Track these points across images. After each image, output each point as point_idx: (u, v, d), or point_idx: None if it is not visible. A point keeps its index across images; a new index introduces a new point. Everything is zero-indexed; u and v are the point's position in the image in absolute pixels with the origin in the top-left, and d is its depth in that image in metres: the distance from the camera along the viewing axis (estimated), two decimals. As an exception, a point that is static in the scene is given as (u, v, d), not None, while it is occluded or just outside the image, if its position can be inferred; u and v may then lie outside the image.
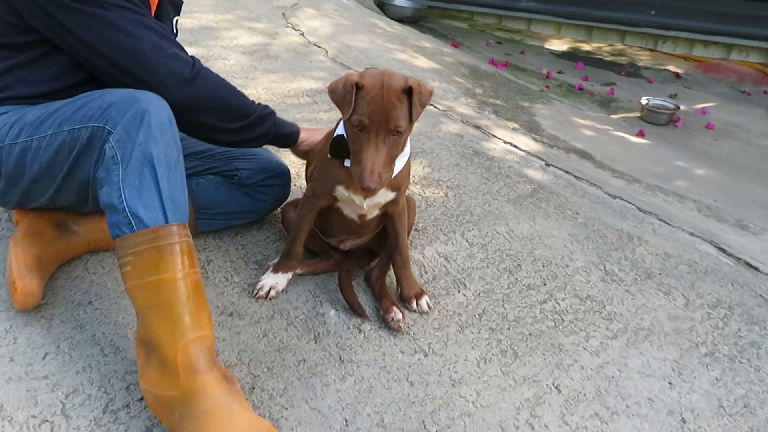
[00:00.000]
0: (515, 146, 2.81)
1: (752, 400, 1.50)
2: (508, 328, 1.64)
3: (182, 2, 1.74)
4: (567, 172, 2.65)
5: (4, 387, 1.30)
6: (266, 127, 1.58)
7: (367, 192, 1.35)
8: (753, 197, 3.10)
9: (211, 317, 1.24)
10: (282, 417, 1.32)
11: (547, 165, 2.68)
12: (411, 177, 2.29)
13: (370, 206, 1.51)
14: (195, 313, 1.20)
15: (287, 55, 3.30)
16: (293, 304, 1.63)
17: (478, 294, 1.75)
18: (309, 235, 1.68)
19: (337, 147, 1.45)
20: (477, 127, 2.95)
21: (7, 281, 1.49)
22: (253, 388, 1.38)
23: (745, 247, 2.25)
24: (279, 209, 1.87)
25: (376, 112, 1.27)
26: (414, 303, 1.64)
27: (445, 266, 1.85)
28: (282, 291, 1.65)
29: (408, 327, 1.59)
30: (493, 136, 2.89)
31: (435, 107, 3.05)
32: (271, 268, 1.66)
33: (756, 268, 2.06)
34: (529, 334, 1.63)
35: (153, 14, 1.57)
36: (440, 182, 2.31)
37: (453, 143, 2.65)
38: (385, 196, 1.50)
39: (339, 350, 1.50)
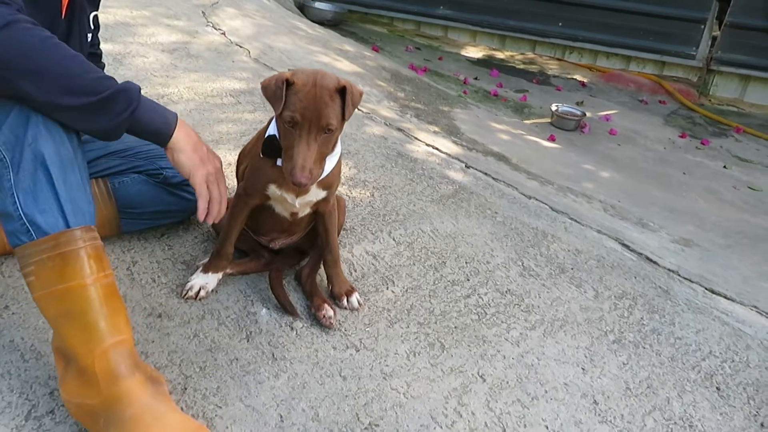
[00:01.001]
0: (437, 149, 2.91)
1: (654, 381, 1.65)
2: (435, 322, 1.71)
3: None
4: (486, 173, 2.77)
5: None
6: (123, 110, 1.23)
7: (299, 188, 1.37)
8: (651, 198, 3.36)
9: (128, 320, 1.21)
10: (216, 416, 1.32)
11: (467, 167, 2.80)
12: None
13: (302, 204, 1.54)
14: (110, 318, 1.16)
15: (209, 54, 3.24)
16: (224, 304, 1.62)
17: (406, 290, 1.81)
18: (240, 235, 1.68)
19: (269, 146, 1.47)
20: (400, 129, 3.03)
21: None
22: (186, 389, 1.37)
23: (646, 244, 2.45)
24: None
25: (308, 109, 1.30)
26: (345, 300, 1.67)
27: (373, 264, 1.90)
28: (212, 291, 1.64)
29: (339, 324, 1.63)
30: (416, 138, 2.97)
31: (359, 110, 3.10)
32: (200, 269, 1.64)
33: (655, 262, 2.26)
34: (455, 327, 1.70)
35: (65, 9, 1.50)
36: (366, 183, 2.36)
37: (378, 145, 2.71)
38: (316, 194, 1.52)
39: (272, 348, 1.52)
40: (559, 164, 3.58)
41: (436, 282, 1.88)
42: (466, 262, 2.00)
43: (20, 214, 1.15)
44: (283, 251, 1.76)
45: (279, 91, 1.30)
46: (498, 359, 1.62)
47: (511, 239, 2.20)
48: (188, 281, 1.62)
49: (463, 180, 2.60)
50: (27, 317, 1.47)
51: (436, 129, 3.33)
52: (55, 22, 1.46)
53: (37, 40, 1.18)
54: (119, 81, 1.27)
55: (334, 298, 1.68)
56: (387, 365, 1.53)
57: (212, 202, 1.41)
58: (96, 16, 1.68)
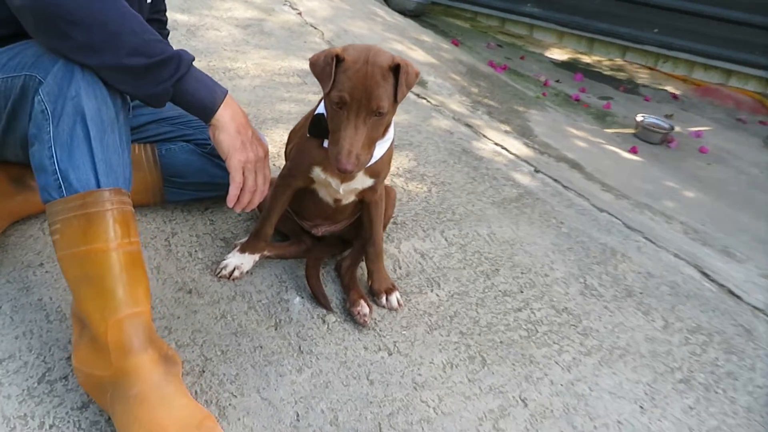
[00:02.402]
0: (505, 149, 2.74)
1: None
2: (479, 334, 1.56)
3: None
4: (556, 180, 2.58)
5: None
6: (168, 77, 1.19)
7: (344, 174, 1.27)
8: (740, 225, 3.06)
9: (149, 292, 1.14)
10: (230, 405, 1.23)
11: (536, 171, 2.61)
12: (395, 168, 2.22)
13: (347, 191, 1.43)
14: (129, 288, 1.10)
15: (281, 32, 3.19)
16: (257, 287, 1.54)
17: (452, 295, 1.67)
18: (282, 217, 1.60)
19: (317, 126, 1.37)
20: (468, 125, 2.87)
21: None
22: (203, 372, 1.29)
23: (730, 275, 2.20)
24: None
25: (357, 89, 1.19)
26: (384, 298, 1.55)
27: (420, 263, 1.77)
28: (247, 272, 1.56)
29: (375, 322, 1.51)
30: (484, 136, 2.81)
31: (428, 101, 2.97)
32: (237, 248, 1.57)
33: (739, 297, 2.01)
34: (500, 342, 1.55)
35: None
36: (425, 177, 2.23)
37: (442, 139, 2.57)
38: (362, 182, 1.41)
39: (299, 340, 1.42)
40: (639, 178, 3.31)
41: (486, 290, 1.73)
42: (521, 273, 1.84)
43: (55, 168, 1.11)
44: (325, 239, 1.66)
45: (328, 67, 1.19)
46: (544, 383, 1.46)
47: (575, 253, 2.02)
48: (224, 260, 1.55)
49: (529, 184, 2.43)
50: (59, 277, 1.43)
51: (508, 129, 3.15)
52: None
53: None
54: (191, 53, 1.24)
55: (373, 295, 1.57)
56: (420, 374, 1.40)
57: (244, 190, 1.34)
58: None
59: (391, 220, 1.91)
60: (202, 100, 1.25)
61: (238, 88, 2.47)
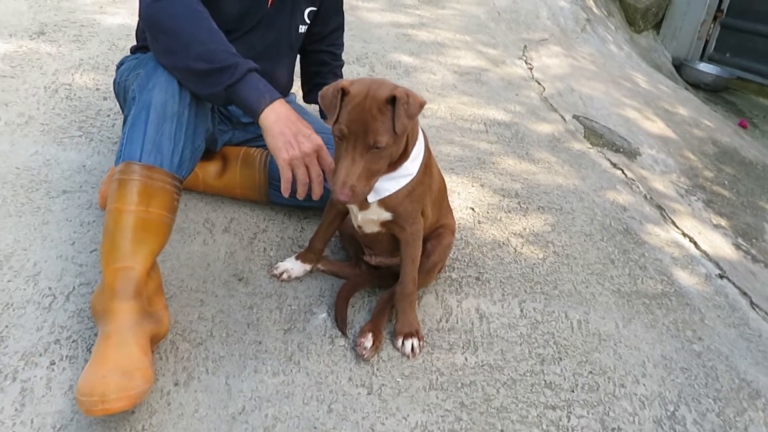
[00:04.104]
0: (694, 242, 2.31)
1: None
2: (482, 413, 1.39)
3: None
4: (744, 293, 2.09)
5: (50, 251, 1.60)
6: (216, 87, 1.40)
7: (340, 204, 1.29)
8: None
9: (151, 257, 1.34)
10: (197, 378, 1.36)
11: (720, 276, 2.14)
12: (519, 228, 2.08)
13: (365, 220, 1.44)
14: (132, 246, 1.31)
15: (497, 83, 3.24)
16: (295, 293, 1.65)
17: (482, 365, 1.52)
18: (350, 237, 1.68)
19: None
20: (659, 207, 2.50)
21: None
22: (200, 344, 1.45)
23: None
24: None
25: (355, 122, 1.21)
26: (400, 341, 1.51)
27: (472, 323, 1.65)
28: (295, 277, 1.68)
29: (377, 360, 1.48)
30: (672, 223, 2.41)
31: (623, 172, 2.67)
32: (296, 254, 1.70)
33: None
34: (501, 430, 1.36)
35: (271, 1, 1.72)
36: (550, 245, 2.04)
37: (605, 213, 2.30)
38: (378, 213, 1.41)
39: (296, 349, 1.48)
40: None
41: (527, 374, 1.52)
42: (590, 372, 1.56)
43: (123, 141, 1.41)
44: (380, 270, 1.68)
45: (334, 100, 1.25)
46: (520, 493, 1.23)
47: (687, 376, 1.62)
48: (281, 261, 1.70)
49: (691, 287, 2.01)
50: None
51: (722, 224, 2.62)
52: (258, 6, 1.70)
53: (183, 10, 1.43)
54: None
55: (394, 335, 1.53)
56: (383, 424, 1.33)
57: (298, 183, 1.46)
58: (312, 12, 1.87)
59: (476, 275, 1.81)
60: (250, 104, 1.42)
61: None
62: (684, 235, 2.36)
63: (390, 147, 1.25)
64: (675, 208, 2.56)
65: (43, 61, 2.48)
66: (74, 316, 1.45)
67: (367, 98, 1.22)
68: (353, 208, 1.44)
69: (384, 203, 1.38)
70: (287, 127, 1.44)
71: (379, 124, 1.21)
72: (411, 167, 1.36)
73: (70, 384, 1.29)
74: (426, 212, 1.50)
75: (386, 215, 1.41)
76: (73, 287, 1.52)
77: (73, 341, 1.38)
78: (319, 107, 1.42)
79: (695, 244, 2.32)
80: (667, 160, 3.02)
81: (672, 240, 2.28)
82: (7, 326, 1.39)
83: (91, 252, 1.63)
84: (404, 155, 1.35)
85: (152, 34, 1.43)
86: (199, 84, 1.42)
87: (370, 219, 1.44)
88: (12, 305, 1.44)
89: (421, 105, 1.25)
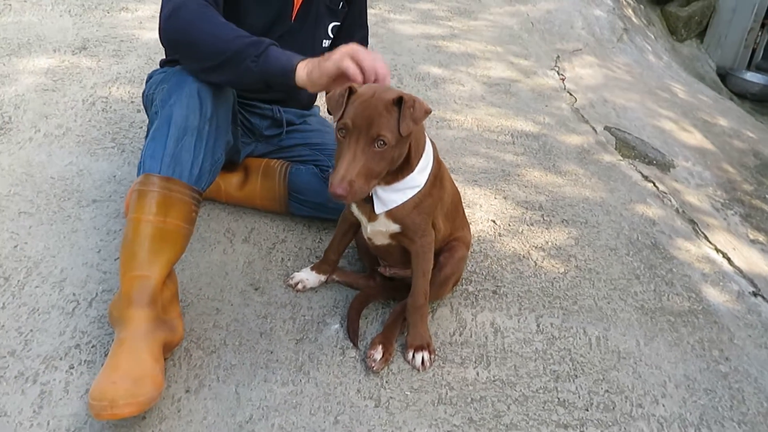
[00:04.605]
0: (727, 258, 2.23)
1: None
2: (490, 430, 1.38)
3: (343, 8, 1.87)
4: (779, 312, 2.00)
5: (77, 258, 1.66)
6: (244, 66, 1.38)
7: (337, 199, 1.23)
8: None
9: (168, 266, 1.38)
10: (208, 385, 1.39)
11: (755, 294, 2.06)
12: (541, 241, 2.05)
13: (373, 231, 1.45)
14: (149, 255, 1.35)
15: (527, 95, 3.21)
16: (310, 303, 1.66)
17: (494, 380, 1.50)
18: (365, 249, 1.69)
19: None
20: (692, 221, 2.42)
21: None
22: (213, 352, 1.48)
23: None
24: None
25: (359, 116, 1.22)
26: (410, 354, 1.50)
27: (486, 338, 1.63)
28: (309, 288, 1.70)
29: (387, 372, 1.48)
30: (705, 238, 2.33)
31: (654, 185, 2.61)
32: (311, 265, 1.72)
33: None
34: (509, 447, 1.34)
35: (295, 13, 1.75)
36: (572, 258, 2.00)
37: (633, 227, 2.25)
38: (386, 225, 1.41)
39: (307, 359, 1.49)
40: None
41: (540, 391, 1.49)
42: (606, 391, 1.52)
43: (143, 153, 1.46)
44: (395, 282, 1.69)
45: (341, 98, 1.26)
46: None
47: (712, 398, 1.56)
48: (296, 272, 1.72)
49: (720, 304, 1.94)
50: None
51: (761, 239, 2.52)
52: (282, 21, 1.73)
53: (190, 17, 1.42)
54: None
55: (405, 347, 1.53)
56: (389, 437, 1.33)
57: (365, 73, 1.35)
58: (336, 26, 1.90)
59: (493, 288, 1.80)
60: (282, 66, 1.37)
61: (438, 137, 2.61)
62: (717, 250, 2.28)
63: (392, 149, 1.25)
64: (709, 222, 2.48)
65: (83, 75, 2.58)
66: (95, 321, 1.50)
67: (374, 97, 1.23)
68: (362, 219, 1.45)
69: (391, 215, 1.39)
70: (318, 77, 1.36)
71: (384, 120, 1.22)
72: (418, 179, 1.36)
73: (86, 388, 1.33)
74: (437, 225, 1.50)
75: (394, 227, 1.42)
76: (96, 294, 1.58)
77: (93, 346, 1.43)
78: (327, 109, 1.41)
79: (728, 259, 2.24)
80: (703, 173, 2.93)
81: (703, 255, 2.20)
82: (32, 330, 1.45)
83: (115, 260, 1.69)
84: (409, 167, 1.36)
85: (174, 50, 1.47)
86: (230, 72, 1.40)
87: (378, 231, 1.45)
88: (38, 310, 1.51)
89: (427, 112, 1.25)
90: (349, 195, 1.23)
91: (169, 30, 1.44)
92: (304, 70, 1.37)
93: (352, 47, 1.36)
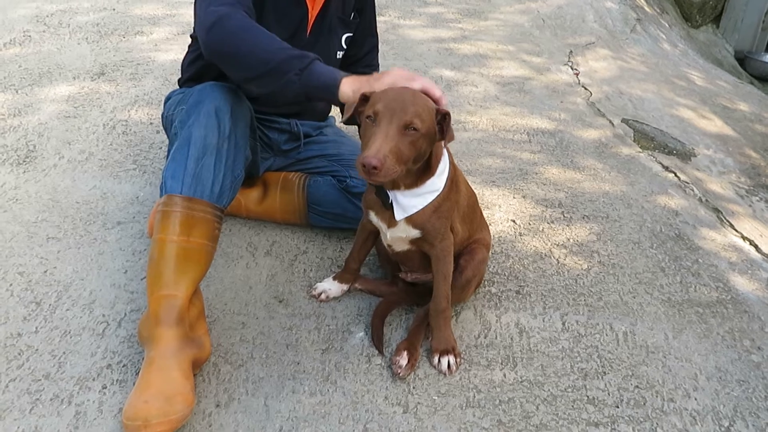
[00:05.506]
0: (755, 245, 2.19)
1: None
2: (520, 430, 1.37)
3: (355, 19, 1.89)
4: (811, 298, 1.95)
5: (105, 280, 1.70)
6: (287, 78, 1.38)
7: (368, 176, 1.21)
8: None
9: (193, 284, 1.40)
10: (237, 399, 1.41)
11: (784, 281, 2.02)
12: (563, 239, 2.03)
13: (393, 237, 1.46)
14: (175, 275, 1.38)
15: (541, 92, 3.19)
16: (334, 313, 1.68)
17: (521, 381, 1.50)
18: (386, 256, 1.70)
19: None
20: (716, 210, 2.38)
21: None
22: (241, 366, 1.50)
23: None
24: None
25: (394, 101, 1.23)
26: (436, 358, 1.51)
27: (512, 339, 1.62)
28: (333, 298, 1.71)
29: (414, 378, 1.48)
30: (730, 226, 2.30)
31: (675, 175, 2.57)
32: (333, 275, 1.73)
33: None
34: (540, 448, 1.34)
35: (310, 27, 1.77)
36: (595, 254, 1.99)
37: (656, 219, 2.22)
38: (406, 230, 1.42)
39: (333, 369, 1.51)
40: None
41: (569, 390, 1.48)
42: (636, 387, 1.51)
43: (164, 174, 1.49)
44: (417, 287, 1.69)
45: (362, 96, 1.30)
46: None
47: (745, 389, 1.53)
48: (319, 282, 1.74)
49: (749, 293, 1.91)
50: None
51: (789, 224, 2.47)
52: (298, 36, 1.76)
53: (233, 28, 1.42)
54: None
55: (430, 352, 1.54)
56: (419, 443, 1.33)
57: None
58: (349, 37, 1.91)
59: (516, 288, 1.79)
60: (325, 81, 1.39)
61: (454, 140, 2.61)
62: (743, 238, 2.24)
63: (422, 138, 1.25)
64: (734, 210, 2.44)
65: (103, 100, 2.64)
66: (125, 341, 1.53)
67: (408, 90, 1.27)
68: (381, 226, 1.46)
69: (412, 220, 1.40)
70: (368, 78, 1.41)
71: (421, 108, 1.24)
72: (437, 183, 1.37)
73: (119, 407, 1.36)
74: (455, 228, 1.51)
75: (414, 233, 1.42)
76: (125, 314, 1.61)
77: (123, 366, 1.46)
78: (340, 107, 1.41)
79: (756, 247, 2.20)
80: (725, 160, 2.88)
81: (729, 244, 2.17)
82: (64, 353, 1.49)
83: (141, 279, 1.72)
84: (429, 170, 1.37)
85: (218, 60, 1.45)
86: (272, 83, 1.41)
87: (398, 237, 1.46)
88: (69, 332, 1.54)
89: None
90: (382, 169, 1.19)
91: (214, 40, 1.42)
92: (350, 87, 1.38)
93: (405, 72, 1.39)
